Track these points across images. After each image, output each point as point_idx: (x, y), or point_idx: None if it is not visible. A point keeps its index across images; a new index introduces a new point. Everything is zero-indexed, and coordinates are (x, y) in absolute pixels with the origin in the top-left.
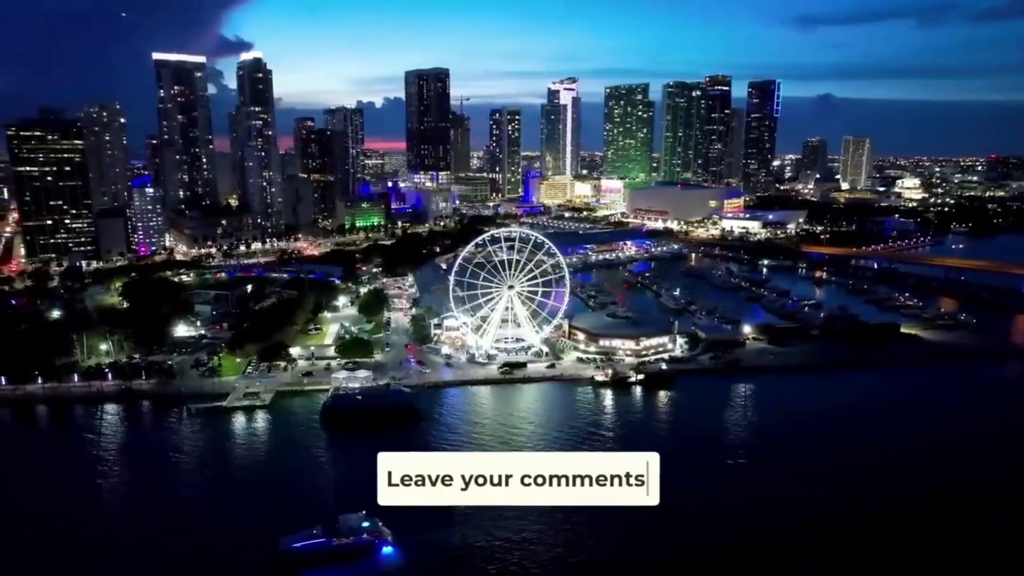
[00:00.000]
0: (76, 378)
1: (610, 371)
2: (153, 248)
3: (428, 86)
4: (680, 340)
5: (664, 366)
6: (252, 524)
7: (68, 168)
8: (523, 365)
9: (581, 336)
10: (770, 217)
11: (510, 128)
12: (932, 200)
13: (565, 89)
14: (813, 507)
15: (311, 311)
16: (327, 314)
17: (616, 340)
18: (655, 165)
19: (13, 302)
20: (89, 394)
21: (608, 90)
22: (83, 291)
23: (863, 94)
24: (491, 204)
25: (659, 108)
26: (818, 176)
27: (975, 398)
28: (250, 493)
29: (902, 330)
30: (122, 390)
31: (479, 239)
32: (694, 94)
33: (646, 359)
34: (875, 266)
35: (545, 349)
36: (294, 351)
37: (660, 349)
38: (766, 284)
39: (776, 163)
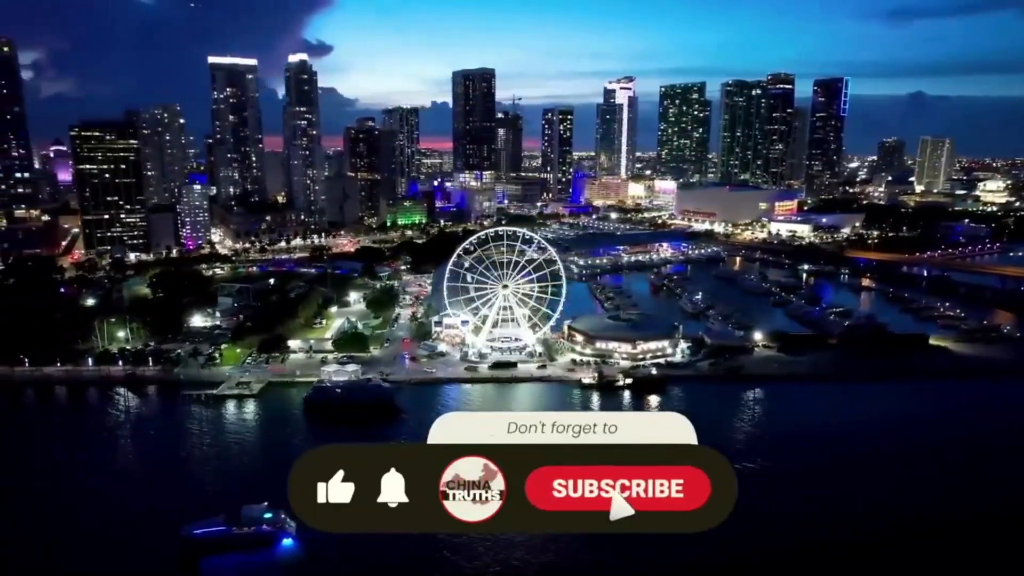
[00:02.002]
0: (91, 362)
1: (595, 374)
2: (200, 242)
3: (474, 86)
4: (683, 345)
5: (654, 371)
6: (183, 508)
7: (124, 166)
8: (513, 365)
9: (580, 338)
10: (823, 220)
11: (561, 128)
12: (1017, 204)
13: (621, 88)
14: (788, 518)
15: (320, 305)
16: (336, 308)
17: (612, 343)
18: (711, 166)
19: (62, 290)
20: (99, 378)
21: (663, 89)
22: (123, 281)
23: (960, 91)
24: (538, 204)
25: (717, 107)
26: (890, 178)
27: (987, 415)
28: (199, 478)
29: (931, 341)
30: (127, 375)
31: (473, 238)
32: (754, 93)
33: (642, 363)
34: (925, 274)
35: (540, 349)
36: (293, 344)
37: (658, 353)
38: (797, 290)
39: (854, 164)
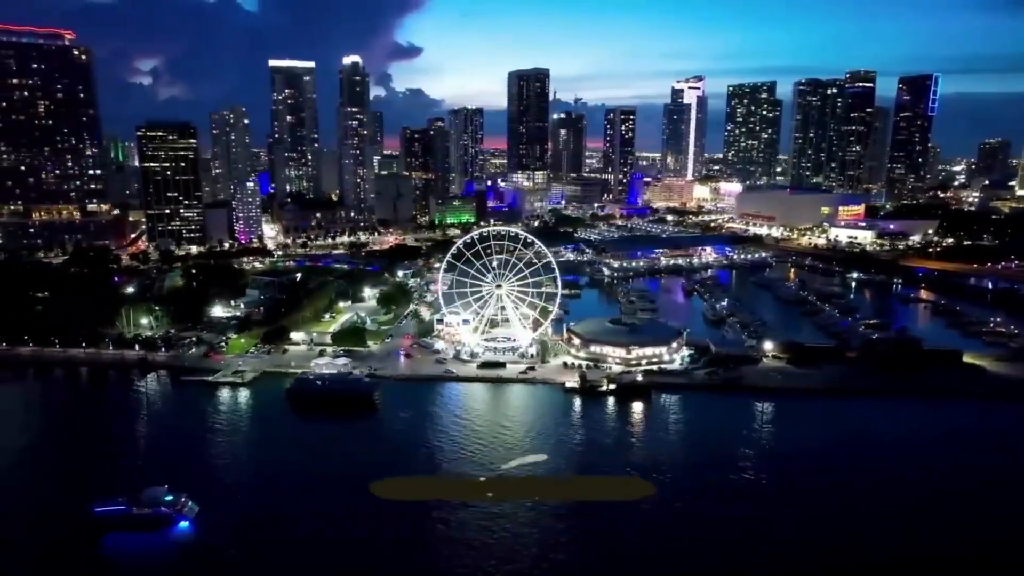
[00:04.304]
0: (111, 346)
1: (578, 378)
2: (251, 236)
3: (528, 87)
4: (685, 352)
5: (640, 377)
6: (119, 485)
7: (183, 164)
8: (502, 365)
9: (576, 341)
10: (891, 227)
11: (623, 128)
12: None
13: (690, 88)
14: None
15: (331, 300)
16: (351, 303)
17: (607, 347)
18: (781, 168)
19: (116, 279)
20: (115, 361)
21: (731, 88)
22: (168, 272)
23: None
24: (596, 205)
25: (788, 107)
26: (987, 182)
27: (1002, 442)
28: (157, 458)
29: (965, 359)
30: (140, 359)
31: (459, 242)
32: (830, 92)
33: (635, 368)
34: (990, 286)
35: (533, 351)
36: (296, 336)
37: (654, 359)
38: (837, 299)
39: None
